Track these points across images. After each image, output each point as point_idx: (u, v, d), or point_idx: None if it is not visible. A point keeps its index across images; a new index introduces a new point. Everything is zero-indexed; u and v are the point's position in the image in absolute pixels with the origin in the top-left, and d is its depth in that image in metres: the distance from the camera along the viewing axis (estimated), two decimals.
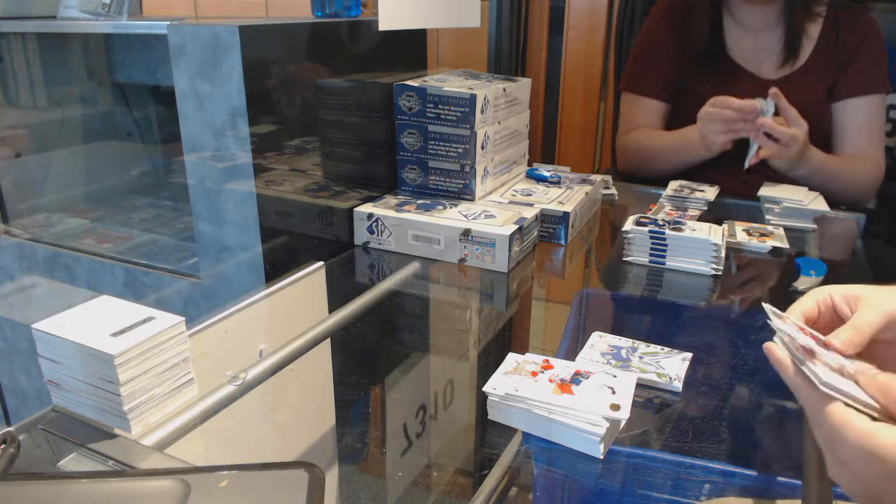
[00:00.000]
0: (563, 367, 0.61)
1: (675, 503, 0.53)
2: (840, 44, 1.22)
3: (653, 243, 0.88)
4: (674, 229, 0.89)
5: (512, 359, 0.63)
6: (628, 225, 0.90)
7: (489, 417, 0.59)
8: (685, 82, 1.29)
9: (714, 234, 0.88)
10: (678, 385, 0.63)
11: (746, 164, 1.13)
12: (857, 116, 1.23)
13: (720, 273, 0.88)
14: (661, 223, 0.90)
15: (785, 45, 1.23)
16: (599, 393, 0.57)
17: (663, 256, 0.88)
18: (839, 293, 0.45)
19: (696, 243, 0.87)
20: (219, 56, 0.81)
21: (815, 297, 0.46)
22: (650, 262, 0.89)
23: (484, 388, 0.58)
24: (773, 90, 1.09)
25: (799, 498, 0.50)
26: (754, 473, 0.53)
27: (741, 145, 1.16)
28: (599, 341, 0.70)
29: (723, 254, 0.87)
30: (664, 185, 1.22)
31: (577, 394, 0.57)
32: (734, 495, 0.52)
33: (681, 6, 1.30)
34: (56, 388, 0.54)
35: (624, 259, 0.90)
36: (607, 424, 0.54)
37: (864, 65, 1.22)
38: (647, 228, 0.88)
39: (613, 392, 0.57)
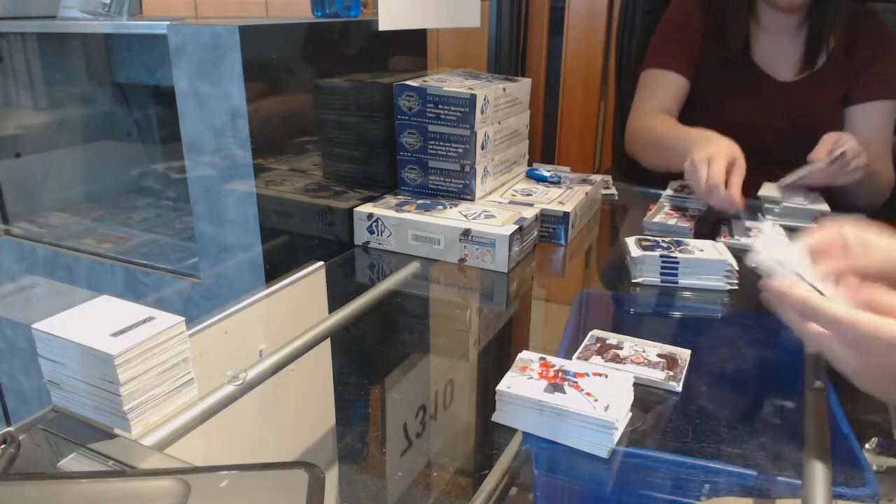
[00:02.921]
0: (570, 368, 0.61)
1: (675, 503, 0.53)
2: (857, 49, 1.22)
3: (663, 263, 0.87)
4: (681, 251, 0.88)
5: (520, 359, 0.63)
6: (634, 251, 0.88)
7: (493, 419, 0.58)
8: (703, 81, 1.28)
9: (722, 252, 0.88)
10: (675, 385, 0.63)
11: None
12: (870, 122, 1.23)
13: (736, 288, 0.87)
14: (664, 245, 0.89)
15: (805, 50, 1.23)
16: (607, 393, 0.57)
17: (675, 275, 0.87)
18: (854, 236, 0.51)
19: (710, 264, 0.86)
20: (219, 56, 0.81)
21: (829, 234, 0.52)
22: (662, 282, 0.88)
23: (498, 388, 0.58)
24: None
25: (799, 498, 0.50)
26: (754, 473, 0.53)
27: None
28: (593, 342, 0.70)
29: (736, 269, 0.86)
30: (664, 185, 1.22)
31: (587, 394, 0.57)
32: (734, 495, 0.52)
33: (709, 3, 1.29)
34: (56, 388, 0.54)
35: (634, 281, 0.89)
36: (619, 425, 0.54)
37: (879, 70, 1.22)
38: (657, 253, 0.86)
39: (620, 392, 0.57)
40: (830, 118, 1.19)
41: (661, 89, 1.31)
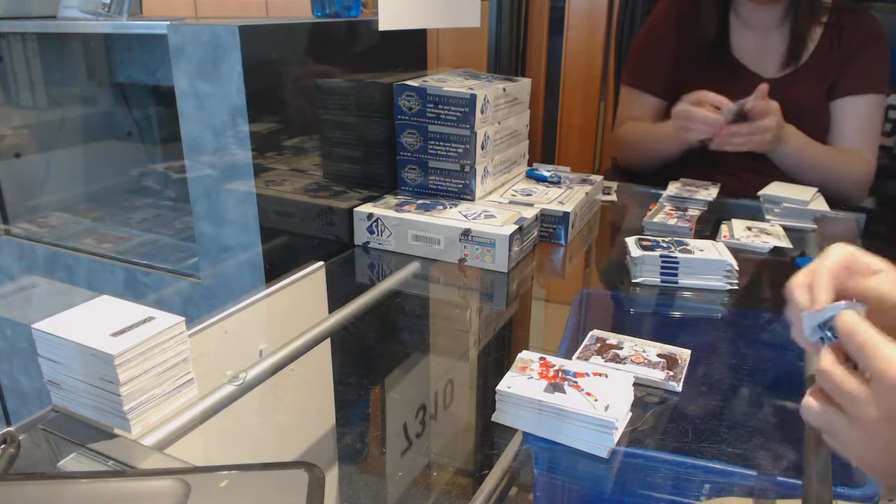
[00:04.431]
0: (570, 368, 0.61)
1: (675, 503, 0.53)
2: (843, 44, 1.23)
3: (663, 263, 0.87)
4: (681, 251, 0.88)
5: (520, 359, 0.63)
6: (634, 251, 0.88)
7: (493, 419, 0.58)
8: (686, 79, 1.29)
9: (722, 252, 0.88)
10: (675, 385, 0.63)
11: (710, 145, 1.14)
12: (854, 115, 1.23)
13: (736, 288, 0.87)
14: (664, 245, 0.89)
15: (789, 45, 1.23)
16: (608, 393, 0.57)
17: (675, 275, 0.87)
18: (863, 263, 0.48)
19: (710, 264, 0.86)
20: (219, 56, 0.81)
21: (839, 260, 0.47)
22: (662, 282, 0.88)
23: (498, 388, 0.58)
24: (753, 100, 1.09)
25: (799, 498, 0.50)
26: (754, 473, 0.53)
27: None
28: (594, 342, 0.70)
29: (736, 269, 0.86)
30: (664, 185, 1.22)
31: (587, 393, 0.57)
32: (734, 495, 0.52)
33: (686, 3, 1.31)
34: (56, 388, 0.54)
35: (634, 281, 0.89)
36: (619, 425, 0.54)
37: (864, 64, 1.22)
38: (657, 253, 0.86)
39: (620, 392, 0.57)
40: (816, 113, 1.19)
41: (640, 109, 1.37)
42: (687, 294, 0.87)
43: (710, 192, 1.17)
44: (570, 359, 0.66)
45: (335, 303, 0.82)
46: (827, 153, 1.22)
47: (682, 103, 1.14)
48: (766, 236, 1.01)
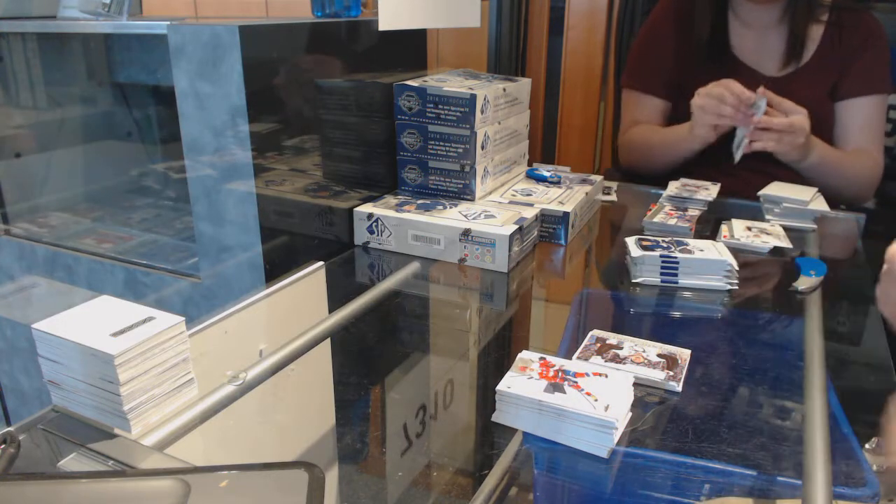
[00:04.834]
0: (570, 368, 0.61)
1: (675, 503, 0.53)
2: (843, 43, 1.23)
3: (663, 263, 0.87)
4: (681, 251, 0.87)
5: (520, 359, 0.63)
6: (634, 251, 0.88)
7: (493, 419, 0.58)
8: (687, 80, 1.30)
9: (722, 252, 0.88)
10: (675, 385, 0.63)
11: (737, 158, 1.14)
12: (859, 116, 1.24)
13: (736, 288, 0.87)
14: (664, 245, 0.89)
15: (788, 44, 1.24)
16: (608, 393, 0.57)
17: (675, 275, 0.87)
18: None
19: (710, 264, 0.86)
20: (219, 56, 0.81)
21: None
22: (662, 282, 0.88)
23: (498, 388, 0.58)
24: (761, 89, 1.10)
25: (799, 498, 0.50)
26: (754, 473, 0.53)
27: (731, 143, 1.16)
28: (594, 342, 0.70)
29: (736, 269, 0.86)
30: (664, 185, 1.22)
31: (587, 393, 0.57)
32: (734, 495, 0.52)
33: (685, 3, 1.31)
34: (56, 388, 0.54)
35: (634, 281, 0.88)
36: (619, 425, 0.54)
37: (866, 65, 1.23)
38: (657, 253, 0.86)
39: (620, 392, 0.57)
40: (818, 112, 1.19)
41: (643, 112, 1.36)
42: (687, 294, 0.87)
43: (710, 192, 1.17)
44: (570, 359, 0.66)
45: (335, 303, 0.82)
46: (844, 156, 1.22)
47: (703, 88, 1.14)
48: (766, 236, 1.01)
